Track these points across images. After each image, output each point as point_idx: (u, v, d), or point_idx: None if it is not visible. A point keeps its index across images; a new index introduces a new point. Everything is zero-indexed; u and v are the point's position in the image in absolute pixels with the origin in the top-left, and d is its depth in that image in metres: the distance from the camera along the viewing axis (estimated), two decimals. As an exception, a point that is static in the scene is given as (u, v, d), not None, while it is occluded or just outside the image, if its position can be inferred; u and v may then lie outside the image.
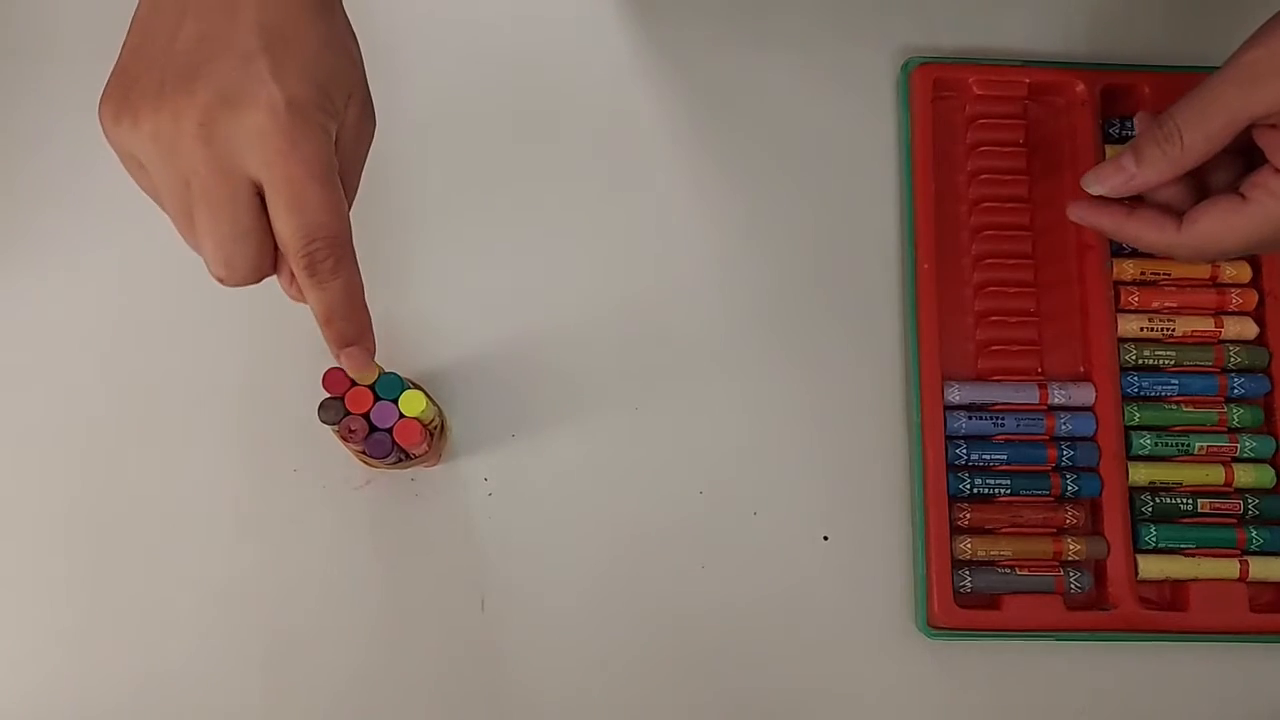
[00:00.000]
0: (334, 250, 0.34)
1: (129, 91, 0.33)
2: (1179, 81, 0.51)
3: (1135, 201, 0.43)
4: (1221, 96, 0.40)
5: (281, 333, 0.49)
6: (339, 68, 0.34)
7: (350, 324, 0.36)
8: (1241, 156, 0.42)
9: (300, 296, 0.35)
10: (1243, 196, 0.40)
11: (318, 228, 0.33)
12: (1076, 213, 0.44)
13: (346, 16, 0.36)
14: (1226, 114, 0.39)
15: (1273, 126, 0.39)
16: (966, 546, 0.47)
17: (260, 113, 0.32)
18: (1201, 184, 0.43)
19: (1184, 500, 0.48)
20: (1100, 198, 0.43)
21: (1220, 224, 0.41)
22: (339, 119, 0.34)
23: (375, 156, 0.52)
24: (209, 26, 0.33)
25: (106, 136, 0.34)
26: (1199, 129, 0.40)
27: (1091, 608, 0.47)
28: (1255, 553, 0.47)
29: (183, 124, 0.32)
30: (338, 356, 0.36)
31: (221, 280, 0.34)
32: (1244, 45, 0.40)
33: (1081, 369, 0.50)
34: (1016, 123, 0.52)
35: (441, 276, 0.50)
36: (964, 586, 0.47)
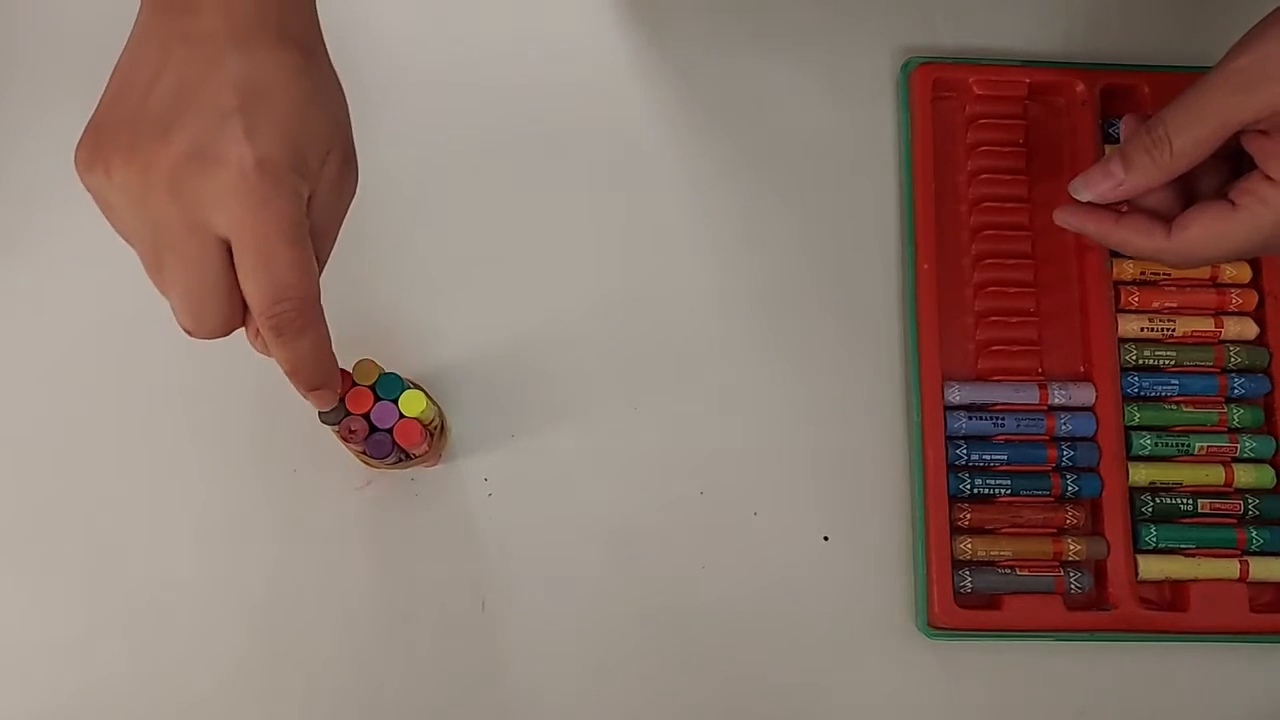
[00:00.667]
0: (301, 311, 0.34)
1: (102, 139, 0.33)
2: (1179, 81, 0.50)
3: (1123, 206, 0.43)
4: (1212, 102, 0.39)
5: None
6: (317, 127, 0.34)
7: (317, 374, 0.36)
8: (1228, 161, 0.42)
9: (266, 350, 0.35)
10: (1232, 203, 0.40)
11: (285, 288, 0.33)
12: (1063, 218, 0.44)
13: (332, 70, 0.36)
14: (1216, 119, 0.39)
15: (1262, 132, 0.39)
16: (967, 547, 0.47)
17: (230, 171, 0.32)
18: (1188, 189, 0.42)
19: (1184, 500, 0.48)
20: (1088, 203, 0.43)
21: (1210, 230, 0.40)
22: (314, 179, 0.34)
23: (376, 158, 0.52)
24: (187, 80, 0.32)
25: (81, 181, 0.34)
26: (1188, 134, 0.40)
27: (1092, 608, 0.47)
28: (1255, 553, 0.47)
29: (152, 176, 0.32)
30: (305, 396, 0.37)
31: (189, 332, 0.34)
32: (1232, 50, 0.40)
33: (1081, 369, 0.50)
34: (1016, 123, 0.51)
35: (442, 276, 0.50)
36: (964, 587, 0.47)
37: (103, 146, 0.33)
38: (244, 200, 0.32)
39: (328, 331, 0.35)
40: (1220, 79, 0.39)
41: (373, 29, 0.52)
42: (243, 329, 0.35)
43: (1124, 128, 0.45)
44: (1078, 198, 0.43)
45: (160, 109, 0.32)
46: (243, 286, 0.33)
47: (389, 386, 0.41)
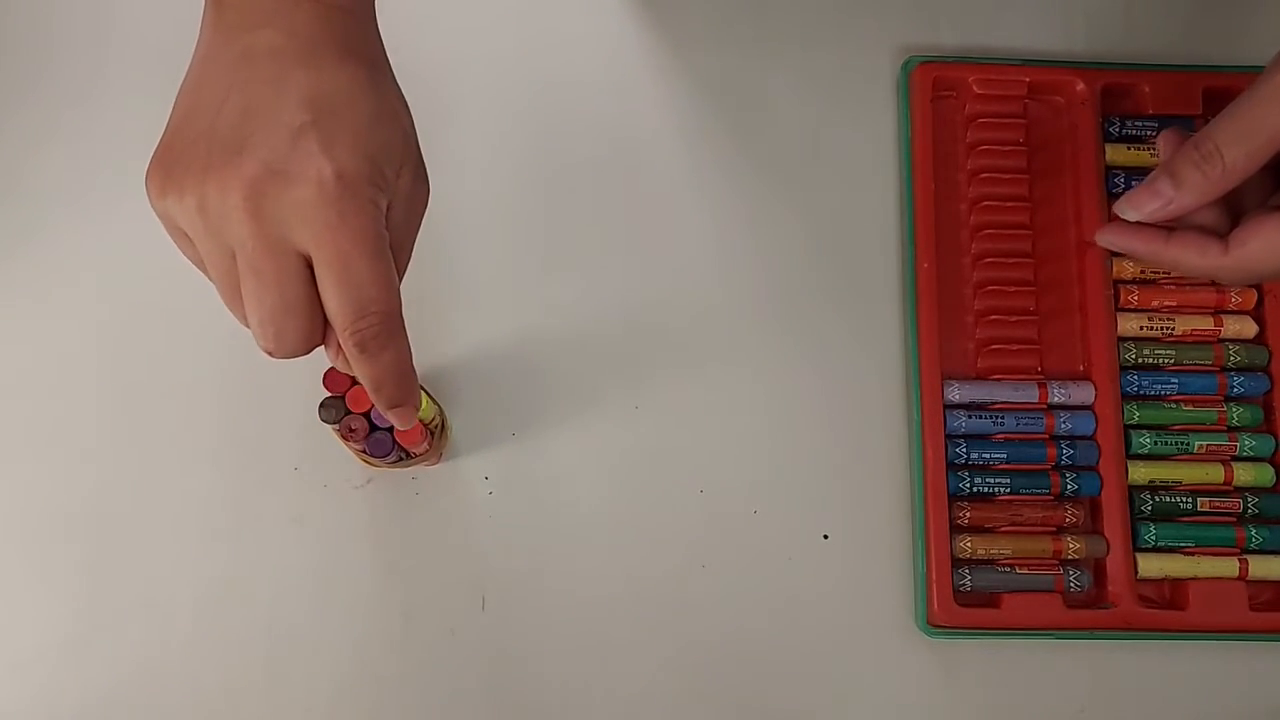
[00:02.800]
0: (385, 325, 0.33)
1: (174, 164, 0.32)
2: (1179, 80, 0.51)
3: (1172, 225, 0.41)
4: (1265, 115, 0.38)
5: None
6: (390, 140, 0.34)
7: (399, 390, 0.35)
8: (1272, 174, 0.41)
9: (348, 367, 0.34)
10: None
11: (369, 302, 0.33)
12: (1108, 239, 0.43)
13: (398, 86, 0.36)
14: (1268, 132, 0.38)
15: None
16: (966, 545, 0.47)
17: (309, 186, 0.31)
18: (1233, 204, 0.41)
19: (1183, 499, 0.48)
20: (1135, 223, 0.41)
21: (1270, 244, 0.39)
22: (390, 191, 0.33)
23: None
24: (255, 100, 0.32)
25: (153, 208, 0.33)
26: (1240, 148, 0.38)
27: (1091, 606, 0.47)
28: (1254, 551, 0.47)
29: (230, 197, 0.31)
30: (384, 413, 0.36)
31: (270, 353, 0.34)
32: (1277, 61, 0.39)
33: (1081, 368, 0.50)
34: (1016, 122, 0.51)
35: (442, 276, 0.50)
36: (964, 585, 0.47)
37: (174, 171, 0.32)
38: (325, 214, 0.31)
39: (409, 346, 0.35)
40: (1268, 91, 0.38)
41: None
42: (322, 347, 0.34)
43: (1163, 144, 0.43)
44: (1125, 218, 0.41)
45: (231, 130, 0.32)
46: (325, 302, 0.33)
47: None
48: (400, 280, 0.34)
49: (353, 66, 0.33)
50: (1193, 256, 0.41)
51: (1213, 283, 0.50)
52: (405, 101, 0.36)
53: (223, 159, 0.32)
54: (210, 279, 0.34)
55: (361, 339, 0.33)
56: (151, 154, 0.33)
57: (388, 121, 0.34)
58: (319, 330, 0.33)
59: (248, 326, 0.34)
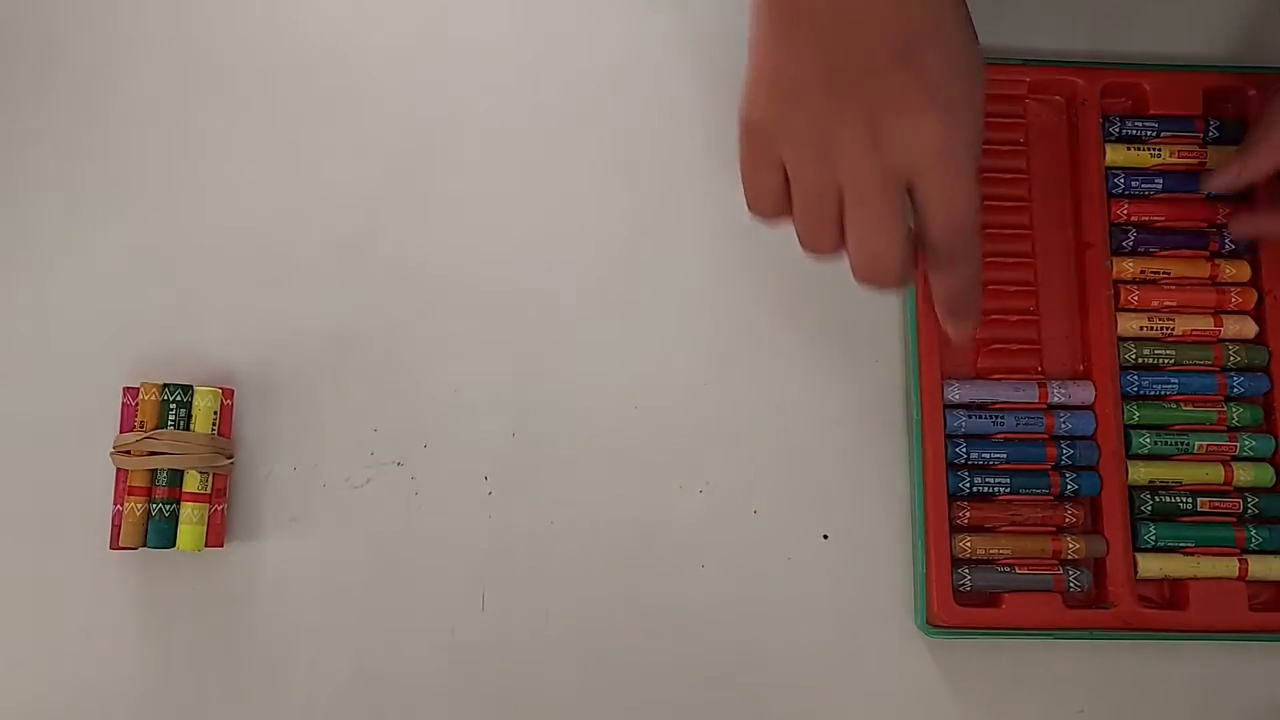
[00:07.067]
0: (970, 239, 0.36)
1: (784, 94, 0.35)
2: (1180, 79, 0.51)
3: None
4: None
5: (283, 327, 0.49)
6: (977, 67, 0.35)
7: (968, 304, 0.38)
8: None
9: (930, 306, 0.37)
10: None
11: (965, 223, 0.35)
12: (1238, 229, 0.49)
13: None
14: None
15: None
16: (966, 545, 0.47)
17: (930, 118, 0.33)
18: None
19: (1183, 499, 0.48)
20: (1255, 211, 0.47)
21: None
22: (982, 116, 0.35)
23: (372, 159, 0.51)
24: (861, 31, 0.34)
25: (749, 139, 0.36)
26: None
27: (1091, 606, 0.47)
28: (1254, 551, 0.47)
29: (850, 129, 0.33)
30: (946, 323, 0.39)
31: (868, 281, 0.36)
32: None
33: (1081, 367, 0.50)
34: (1016, 121, 0.51)
35: (443, 275, 0.50)
36: (963, 585, 0.47)
37: (785, 99, 0.34)
38: (942, 144, 0.33)
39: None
40: None
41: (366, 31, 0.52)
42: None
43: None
44: (1207, 190, 0.49)
45: (844, 62, 0.34)
46: (927, 225, 0.35)
47: None
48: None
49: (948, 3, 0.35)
50: None
51: (1211, 280, 0.50)
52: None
53: (842, 91, 0.33)
54: (795, 206, 0.36)
55: (950, 252, 0.36)
56: (745, 96, 0.36)
57: (974, 50, 0.35)
58: (913, 259, 0.36)
59: (822, 256, 0.36)
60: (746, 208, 0.38)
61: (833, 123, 0.34)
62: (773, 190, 0.37)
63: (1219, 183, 0.49)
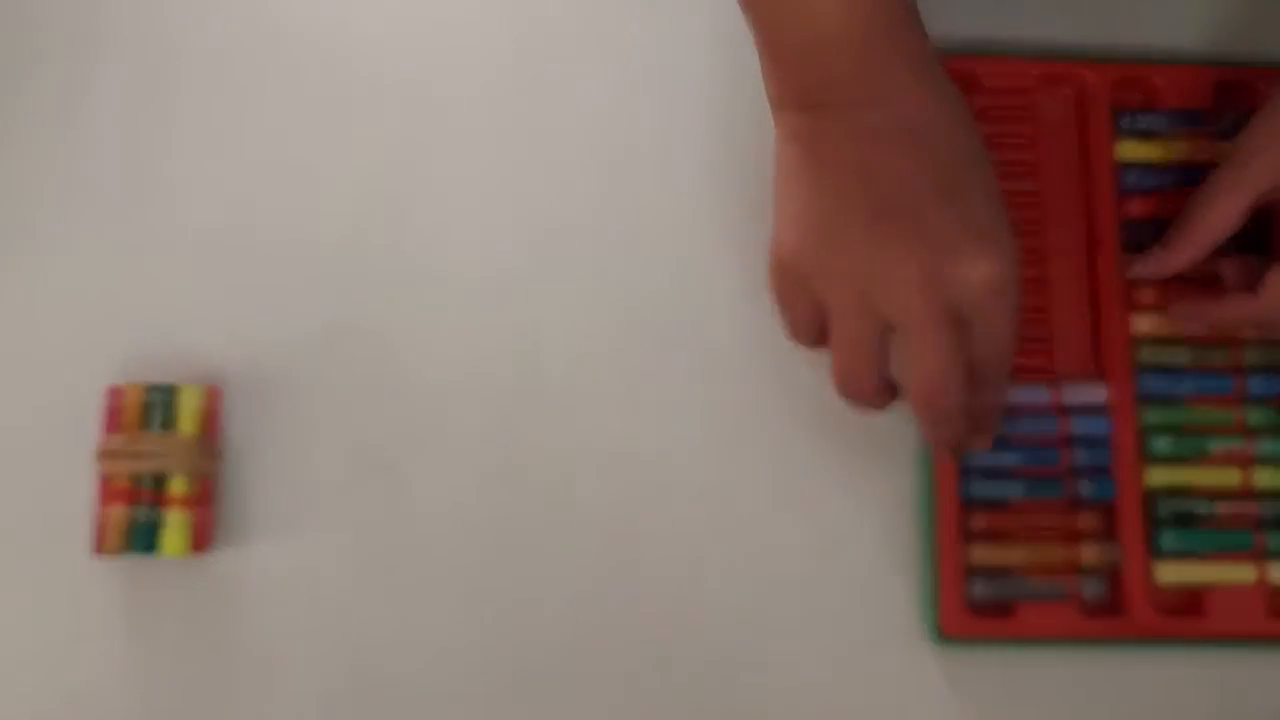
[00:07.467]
0: (1008, 367, 0.39)
1: (822, 234, 0.36)
2: (1191, 74, 0.51)
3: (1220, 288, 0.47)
4: (1219, 181, 0.45)
5: (273, 325, 0.48)
6: (993, 177, 0.38)
7: (995, 423, 0.42)
8: None
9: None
10: None
11: (1008, 351, 0.38)
12: (1177, 313, 0.48)
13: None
14: (1227, 195, 0.44)
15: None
16: (978, 552, 0.46)
17: (983, 257, 0.35)
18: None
19: (1201, 504, 0.47)
20: (1192, 298, 0.47)
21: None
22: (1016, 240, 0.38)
23: (369, 160, 0.51)
24: (900, 173, 0.36)
25: (782, 276, 0.38)
26: (1206, 212, 0.45)
27: (1107, 614, 0.46)
28: (1274, 556, 0.46)
29: (899, 269, 0.35)
30: (968, 440, 0.42)
31: (933, 411, 0.38)
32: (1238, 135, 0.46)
33: (1094, 368, 0.48)
34: (1026, 115, 0.51)
35: (442, 275, 0.49)
36: (976, 593, 0.46)
37: (831, 239, 0.36)
38: (999, 289, 0.36)
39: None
40: (1227, 158, 0.45)
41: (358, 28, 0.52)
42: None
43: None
44: (1131, 277, 0.48)
45: (892, 202, 0.35)
46: (974, 350, 0.37)
47: None
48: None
49: (969, 136, 0.37)
50: (1235, 308, 0.46)
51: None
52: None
53: (894, 231, 0.35)
54: (836, 349, 0.38)
55: (999, 380, 0.39)
56: (778, 237, 0.38)
57: (1000, 198, 0.38)
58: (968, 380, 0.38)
59: (861, 400, 0.39)
60: (786, 336, 0.41)
61: (877, 264, 0.35)
62: (812, 324, 0.39)
63: (1140, 271, 0.48)
